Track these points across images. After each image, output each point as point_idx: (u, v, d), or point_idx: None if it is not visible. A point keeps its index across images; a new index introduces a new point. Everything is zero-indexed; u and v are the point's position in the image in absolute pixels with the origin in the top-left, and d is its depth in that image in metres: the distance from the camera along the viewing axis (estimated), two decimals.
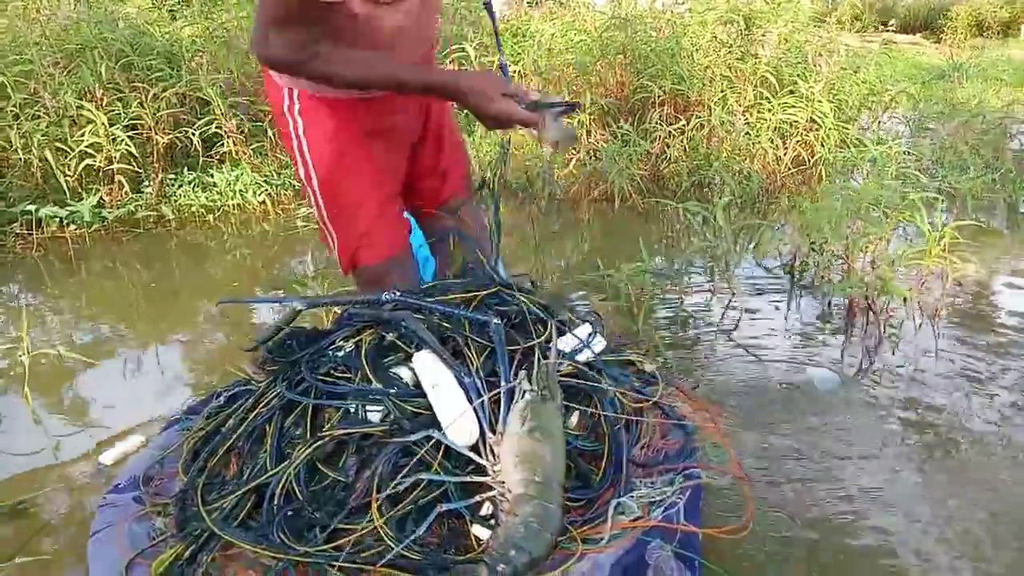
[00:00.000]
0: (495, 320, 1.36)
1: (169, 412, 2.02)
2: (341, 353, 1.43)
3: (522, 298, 1.52)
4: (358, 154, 1.54)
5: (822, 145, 4.07)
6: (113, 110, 3.74)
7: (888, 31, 5.48)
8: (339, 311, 1.57)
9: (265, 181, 3.99)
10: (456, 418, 1.22)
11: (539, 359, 1.35)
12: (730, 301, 2.55)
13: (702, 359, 2.18)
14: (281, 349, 1.48)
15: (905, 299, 2.28)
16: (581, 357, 1.49)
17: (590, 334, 1.53)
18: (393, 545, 1.07)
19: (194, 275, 3.25)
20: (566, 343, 1.49)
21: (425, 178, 1.70)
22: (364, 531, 1.11)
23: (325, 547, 1.11)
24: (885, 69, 5.56)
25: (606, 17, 4.97)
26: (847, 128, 4.22)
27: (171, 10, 5.01)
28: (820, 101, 4.06)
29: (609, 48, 4.52)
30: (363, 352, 1.38)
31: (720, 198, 3.64)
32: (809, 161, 4.13)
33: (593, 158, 4.02)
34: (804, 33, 4.88)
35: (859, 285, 2.16)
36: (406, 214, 1.75)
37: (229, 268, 3.30)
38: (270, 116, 4.01)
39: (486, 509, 1.19)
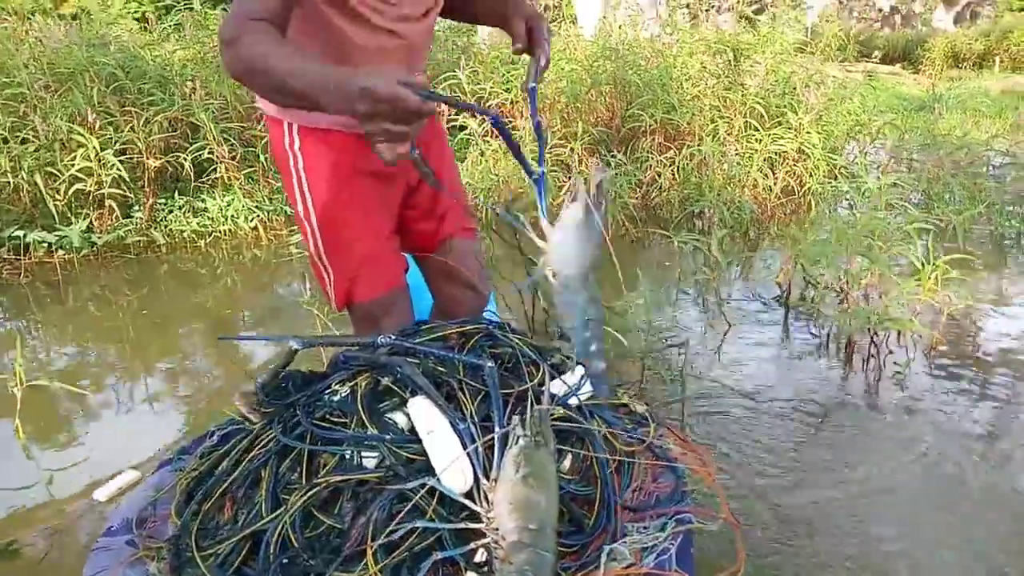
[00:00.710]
0: (488, 363, 1.35)
1: (161, 445, 1.99)
2: (337, 398, 1.42)
3: (515, 340, 1.51)
4: (355, 190, 1.53)
5: (811, 176, 4.12)
6: (104, 134, 3.71)
7: (872, 62, 5.57)
8: (334, 352, 1.56)
9: (257, 207, 3.97)
10: (450, 464, 1.21)
11: (532, 404, 1.34)
12: (726, 333, 2.56)
13: (696, 394, 2.18)
14: (277, 391, 1.47)
15: (899, 332, 2.31)
16: (573, 400, 1.48)
17: (582, 377, 1.52)
18: None
19: (185, 302, 3.21)
20: (559, 386, 1.49)
21: (421, 220, 1.65)
22: None
23: None
24: (868, 100, 5.66)
25: (596, 47, 5.03)
26: (835, 158, 4.28)
27: (162, 34, 5.00)
28: (809, 132, 4.12)
29: (600, 77, 4.57)
30: (359, 397, 1.37)
31: (713, 228, 3.68)
32: (798, 191, 4.17)
33: None
34: (790, 64, 4.97)
35: (863, 317, 2.17)
36: (405, 253, 1.73)
37: (221, 295, 3.26)
38: (263, 141, 4.01)
39: (480, 556, 1.18)
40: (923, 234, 2.52)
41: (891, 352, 2.34)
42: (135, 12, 7.27)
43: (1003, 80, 12.79)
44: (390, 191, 1.60)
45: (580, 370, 1.53)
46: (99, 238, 3.56)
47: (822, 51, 6.11)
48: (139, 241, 3.66)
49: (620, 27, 5.46)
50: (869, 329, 2.22)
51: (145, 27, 5.32)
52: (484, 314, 2.22)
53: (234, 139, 4.03)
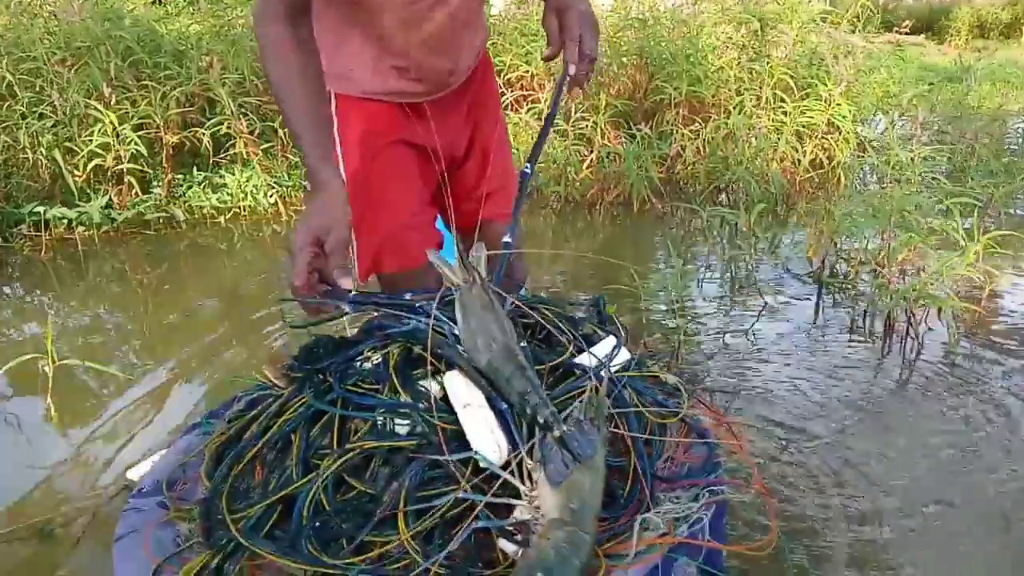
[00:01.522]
0: (522, 345, 1.30)
1: (189, 421, 1.96)
2: (369, 364, 1.38)
3: (546, 310, 1.46)
4: (389, 160, 1.47)
5: (840, 149, 4.02)
6: (122, 109, 3.67)
7: (903, 32, 5.42)
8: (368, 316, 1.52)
9: (276, 182, 3.92)
10: (487, 439, 1.18)
11: (591, 391, 1.29)
12: (761, 311, 2.50)
13: (728, 370, 2.13)
14: (308, 355, 1.44)
15: (939, 309, 2.23)
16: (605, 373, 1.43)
17: (614, 347, 1.47)
18: (420, 560, 1.03)
19: (206, 278, 3.18)
20: (590, 358, 1.43)
21: (462, 200, 1.57)
22: (392, 544, 1.07)
23: (353, 559, 1.07)
24: (895, 71, 5.52)
25: (618, 17, 4.92)
26: (864, 132, 4.17)
27: (176, 7, 4.93)
28: (839, 104, 4.02)
29: (625, 49, 4.46)
30: (391, 365, 1.34)
31: (743, 202, 3.61)
32: (827, 165, 4.08)
33: (609, 161, 3.96)
34: (817, 35, 4.83)
35: (904, 294, 2.09)
36: (441, 227, 1.67)
37: (242, 270, 3.23)
38: (280, 116, 3.95)
39: (515, 527, 1.15)
40: (968, 209, 2.43)
41: (930, 329, 2.27)
42: None
43: None
44: (429, 164, 1.54)
45: (612, 340, 1.48)
46: (119, 214, 3.53)
47: (849, 21, 5.96)
48: (159, 217, 3.62)
49: None
50: (907, 307, 2.14)
51: (159, 1, 5.25)
52: None
53: (252, 114, 3.97)
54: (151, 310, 2.87)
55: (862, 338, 2.32)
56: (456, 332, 1.22)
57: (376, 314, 1.45)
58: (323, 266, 1.19)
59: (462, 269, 1.24)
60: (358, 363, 1.41)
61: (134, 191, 3.67)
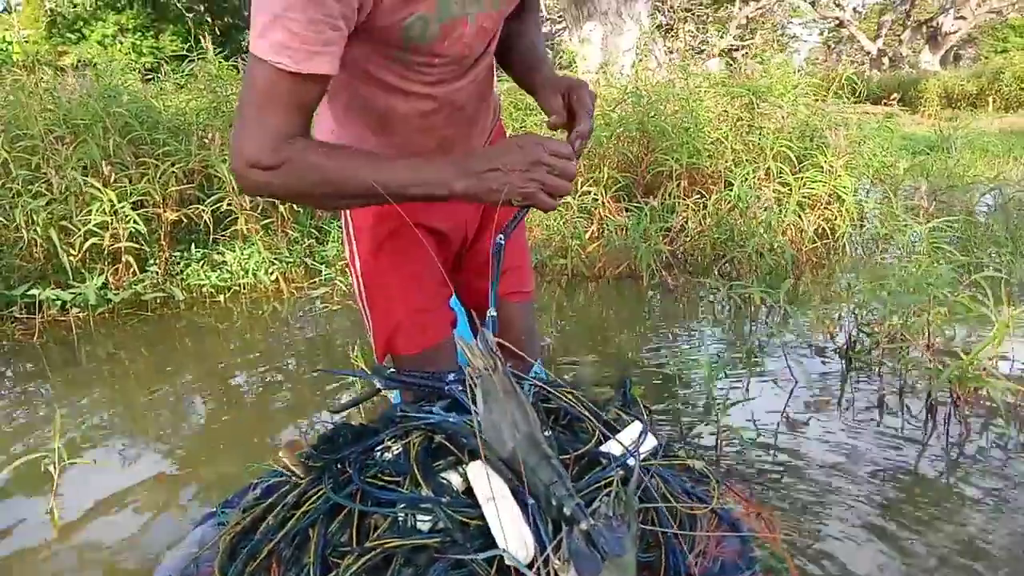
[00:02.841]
0: (547, 432, 1.23)
1: (199, 515, 1.82)
2: (389, 455, 1.29)
3: (569, 395, 1.38)
4: (402, 244, 1.42)
5: (844, 220, 4.03)
6: (120, 186, 3.59)
7: (890, 104, 5.55)
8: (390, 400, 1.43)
9: (276, 258, 3.84)
10: (514, 536, 1.09)
11: (618, 484, 1.20)
12: (792, 390, 2.42)
13: (760, 454, 2.03)
14: (327, 444, 1.34)
15: (976, 389, 2.16)
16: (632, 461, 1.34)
17: (641, 433, 1.39)
18: None
19: (206, 359, 3.05)
20: (615, 446, 1.35)
21: (475, 278, 1.54)
22: None
23: None
24: (882, 141, 5.63)
25: (618, 91, 4.99)
26: (866, 202, 4.20)
27: (175, 84, 4.93)
28: (840, 175, 4.05)
29: (627, 122, 4.50)
30: (412, 456, 1.25)
31: (752, 274, 3.57)
32: (830, 235, 4.08)
33: (615, 234, 3.93)
34: (808, 107, 4.93)
35: (951, 375, 2.01)
36: (455, 305, 1.61)
37: (243, 351, 3.11)
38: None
39: None
40: (989, 282, 2.39)
41: (975, 411, 2.19)
42: (137, 64, 7.24)
43: (999, 119, 12.96)
44: (443, 244, 1.49)
45: (638, 426, 1.39)
46: (115, 294, 3.41)
47: (835, 93, 6.11)
48: (156, 297, 3.51)
49: (637, 71, 5.45)
50: (952, 388, 2.07)
51: (155, 77, 5.25)
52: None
53: None
54: (151, 395, 2.73)
55: (897, 419, 2.23)
56: (478, 420, 1.14)
57: (396, 400, 1.37)
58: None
59: (483, 355, 1.15)
60: (378, 453, 1.32)
61: (131, 270, 3.56)
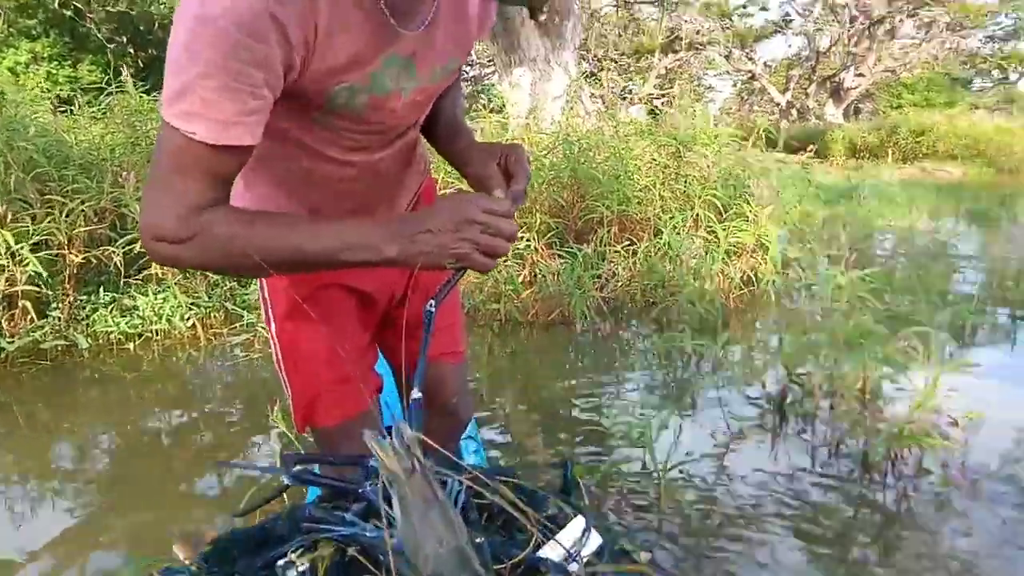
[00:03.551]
0: (479, 539, 1.11)
1: None
2: (292, 573, 1.13)
3: (503, 484, 1.27)
4: (323, 304, 1.31)
5: (770, 268, 4.13)
6: (20, 226, 3.33)
7: (807, 154, 5.80)
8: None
9: (194, 303, 3.63)
10: None
11: None
12: (730, 443, 2.40)
13: (696, 512, 1.99)
14: (219, 555, 1.18)
15: (917, 446, 2.18)
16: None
17: (584, 531, 1.28)
18: None
19: (111, 413, 2.82)
20: (556, 548, 1.23)
21: (404, 337, 1.41)
22: None
23: None
24: (798, 190, 5.86)
25: (551, 139, 5.02)
26: (788, 250, 4.32)
27: (93, 117, 4.66)
28: (764, 224, 4.16)
29: (559, 168, 4.52)
30: (322, 574, 1.11)
31: (681, 321, 3.59)
32: (756, 283, 4.17)
33: (547, 280, 3.90)
34: (734, 157, 5.08)
35: (889, 434, 2.03)
36: (382, 368, 1.51)
37: (154, 404, 2.89)
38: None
39: None
40: (921, 335, 2.46)
41: (904, 464, 2.21)
42: (51, 94, 6.88)
43: (899, 170, 13.81)
44: (368, 306, 1.39)
45: (581, 522, 1.29)
46: (9, 343, 3.14)
47: (754, 143, 6.36)
48: (57, 345, 3.24)
49: (567, 117, 5.51)
50: (890, 447, 2.08)
51: (69, 109, 4.97)
52: (463, 441, 1.99)
53: None
54: (45, 455, 2.49)
55: (832, 473, 2.24)
56: (394, 534, 1.01)
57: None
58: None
59: (399, 455, 1.03)
60: (280, 569, 1.18)
61: (28, 316, 3.29)
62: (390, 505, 0.99)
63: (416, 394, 1.17)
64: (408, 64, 1.01)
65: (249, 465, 2.33)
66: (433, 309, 1.13)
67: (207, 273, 3.77)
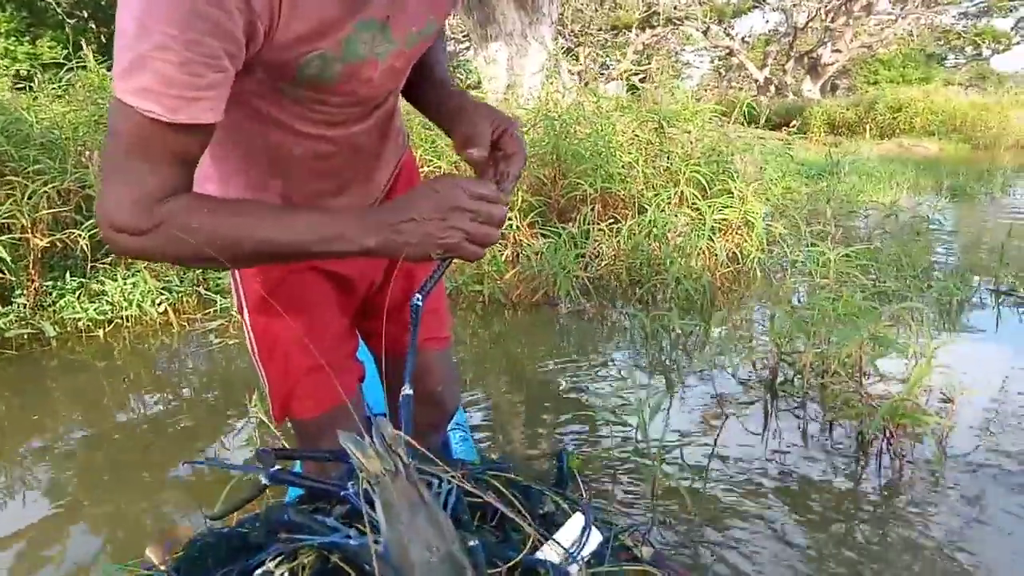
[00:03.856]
0: (472, 542, 1.03)
1: None
2: None
3: (495, 481, 1.19)
4: (299, 289, 1.23)
5: (756, 245, 4.08)
6: None
7: (791, 130, 5.76)
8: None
9: (165, 288, 3.51)
10: None
11: None
12: (723, 422, 2.35)
13: (703, 510, 1.94)
14: (192, 563, 1.09)
15: (911, 424, 2.14)
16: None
17: (584, 529, 1.21)
18: None
19: (80, 403, 2.70)
20: (555, 549, 1.16)
21: (385, 322, 1.32)
22: None
23: None
24: (781, 166, 5.81)
25: (533, 114, 4.92)
26: (774, 227, 4.28)
27: (49, 94, 4.47)
28: (751, 201, 4.11)
29: (541, 145, 4.42)
30: None
31: (669, 300, 3.54)
32: (741, 260, 4.12)
33: (532, 259, 3.82)
34: (717, 132, 5.01)
35: (884, 413, 1.98)
36: (364, 355, 1.42)
37: (125, 393, 2.78)
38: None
39: None
40: (913, 312, 2.42)
41: (899, 442, 2.18)
42: (8, 71, 6.63)
43: (877, 146, 13.86)
44: (347, 290, 1.30)
45: (580, 519, 1.22)
46: None
47: (735, 119, 6.30)
48: (22, 334, 3.11)
49: (547, 93, 5.40)
50: (886, 426, 2.04)
51: (28, 86, 4.77)
52: (451, 431, 1.91)
53: None
54: (13, 447, 2.38)
55: (827, 453, 2.20)
56: (379, 540, 0.93)
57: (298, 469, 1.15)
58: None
59: (381, 456, 0.95)
60: None
61: None
62: (374, 509, 0.91)
63: (407, 390, 1.09)
64: (384, 28, 0.93)
65: (225, 464, 2.23)
66: (420, 303, 1.05)
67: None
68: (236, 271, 1.20)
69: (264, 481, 1.20)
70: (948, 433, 2.15)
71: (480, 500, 1.11)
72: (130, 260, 3.48)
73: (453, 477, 1.15)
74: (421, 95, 1.22)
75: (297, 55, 0.87)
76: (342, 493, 1.06)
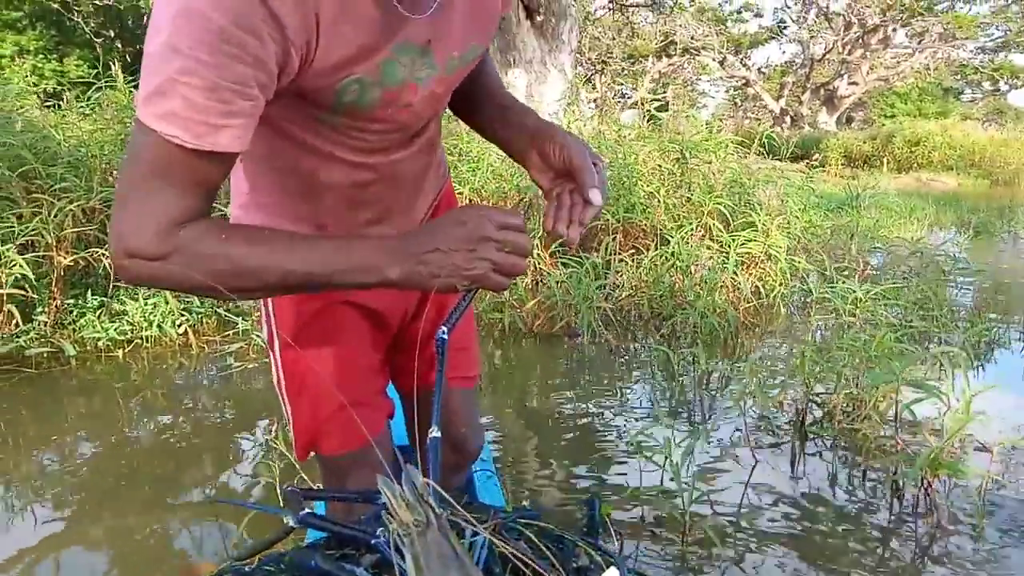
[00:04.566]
0: None
1: None
2: None
3: (526, 529, 1.14)
4: (331, 323, 1.20)
5: (779, 281, 4.03)
6: (7, 226, 3.19)
7: (812, 164, 5.72)
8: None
9: (186, 309, 3.50)
10: None
11: None
12: (754, 466, 2.30)
13: (722, 542, 1.89)
14: None
15: (948, 475, 2.07)
16: None
17: None
18: None
19: (98, 424, 2.68)
20: None
21: (411, 359, 1.32)
22: None
23: None
24: (799, 199, 5.78)
25: None
26: (798, 262, 4.23)
27: (82, 112, 4.51)
28: (775, 235, 4.07)
29: None
30: None
31: (692, 335, 3.49)
32: (766, 295, 4.08)
33: (554, 289, 3.79)
34: (739, 164, 4.99)
35: (922, 464, 1.91)
36: (393, 393, 1.39)
37: (144, 415, 2.75)
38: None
39: None
40: (948, 357, 2.36)
41: (936, 493, 2.11)
42: (37, 88, 6.72)
43: (894, 179, 13.81)
44: (379, 326, 1.27)
45: (614, 574, 1.17)
46: None
47: (755, 151, 6.28)
48: (42, 352, 3.10)
49: (569, 121, 5.41)
50: (922, 476, 1.98)
51: (56, 104, 4.82)
52: (475, 472, 1.86)
53: None
54: (28, 467, 2.36)
55: (862, 503, 2.14)
56: None
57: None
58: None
59: (412, 506, 0.91)
60: None
61: (13, 321, 3.14)
62: (403, 559, 0.87)
63: (434, 432, 1.06)
64: (424, 52, 0.91)
65: (253, 505, 2.19)
66: (446, 335, 1.02)
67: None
68: (269, 303, 1.18)
69: (291, 524, 1.16)
70: (987, 484, 2.08)
71: (512, 552, 1.07)
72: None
73: (485, 527, 1.10)
74: (487, 116, 1.18)
75: (334, 81, 0.85)
76: (372, 542, 1.02)
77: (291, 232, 1.00)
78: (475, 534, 0.97)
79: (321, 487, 1.45)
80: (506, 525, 1.10)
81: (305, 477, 2.00)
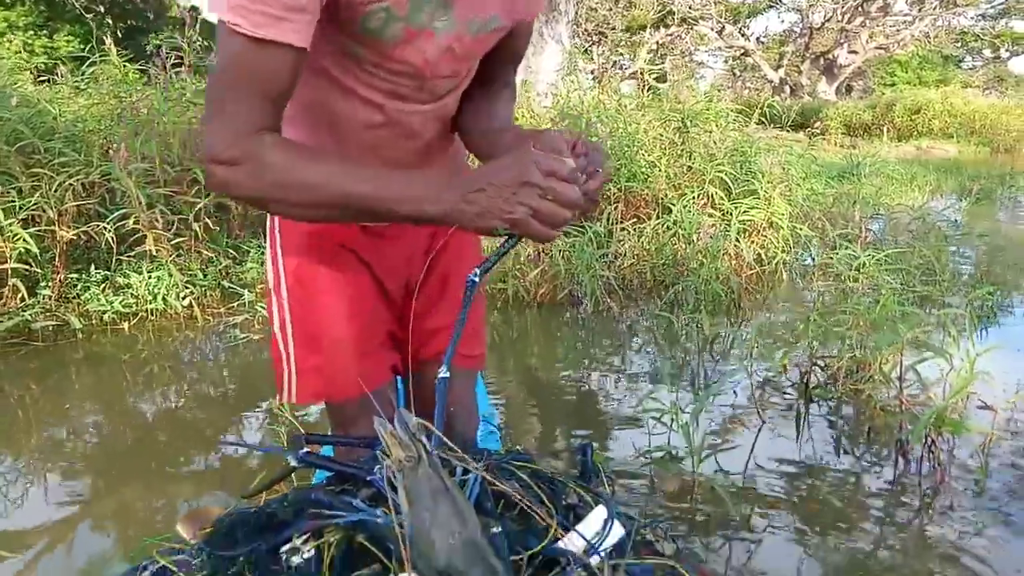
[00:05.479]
0: (494, 529, 1.01)
1: None
2: (299, 559, 1.04)
3: (518, 470, 1.16)
4: (337, 263, 1.20)
5: (782, 247, 4.04)
6: (8, 201, 3.18)
7: (815, 132, 5.69)
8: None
9: (189, 282, 3.50)
10: None
11: None
12: (760, 428, 2.32)
13: (729, 505, 1.91)
14: (222, 539, 1.08)
15: (952, 432, 2.09)
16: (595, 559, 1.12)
17: (606, 521, 1.17)
18: None
19: (105, 396, 2.70)
20: (577, 539, 1.13)
21: (417, 317, 1.29)
22: None
23: None
24: (799, 167, 5.76)
25: (547, 112, 4.89)
26: (800, 229, 4.23)
27: (76, 88, 4.47)
28: (777, 203, 4.06)
29: None
30: (327, 562, 1.02)
31: (695, 302, 3.50)
32: (767, 261, 4.08)
33: (557, 258, 3.79)
34: (741, 133, 4.97)
35: (927, 422, 1.93)
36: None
37: (149, 386, 2.77)
38: (196, 208, 3.56)
39: None
40: (951, 319, 2.38)
41: (940, 451, 2.13)
42: (29, 63, 6.65)
43: (895, 148, 13.75)
44: (387, 277, 1.27)
45: (602, 511, 1.18)
46: None
47: (756, 120, 6.24)
48: (48, 325, 3.11)
49: (568, 91, 5.37)
50: (928, 433, 2.00)
51: (49, 79, 4.77)
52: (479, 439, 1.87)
53: (162, 205, 3.56)
54: (38, 438, 2.38)
55: (868, 462, 2.16)
56: (404, 523, 0.91)
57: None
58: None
59: (404, 443, 0.92)
60: (284, 555, 1.08)
61: (19, 295, 3.15)
62: (397, 493, 0.89)
63: (443, 373, 1.08)
64: (447, 5, 0.96)
65: (253, 445, 2.22)
66: (477, 279, 1.02)
67: (200, 250, 3.64)
68: (278, 247, 1.19)
69: (293, 463, 1.19)
70: (990, 441, 2.10)
71: (503, 489, 1.09)
72: (155, 251, 3.47)
73: (477, 466, 1.12)
74: (481, 132, 1.18)
75: (364, 3, 0.90)
76: (368, 477, 1.05)
77: (352, 158, 1.05)
78: (467, 472, 1.00)
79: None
80: (499, 465, 1.12)
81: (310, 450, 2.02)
